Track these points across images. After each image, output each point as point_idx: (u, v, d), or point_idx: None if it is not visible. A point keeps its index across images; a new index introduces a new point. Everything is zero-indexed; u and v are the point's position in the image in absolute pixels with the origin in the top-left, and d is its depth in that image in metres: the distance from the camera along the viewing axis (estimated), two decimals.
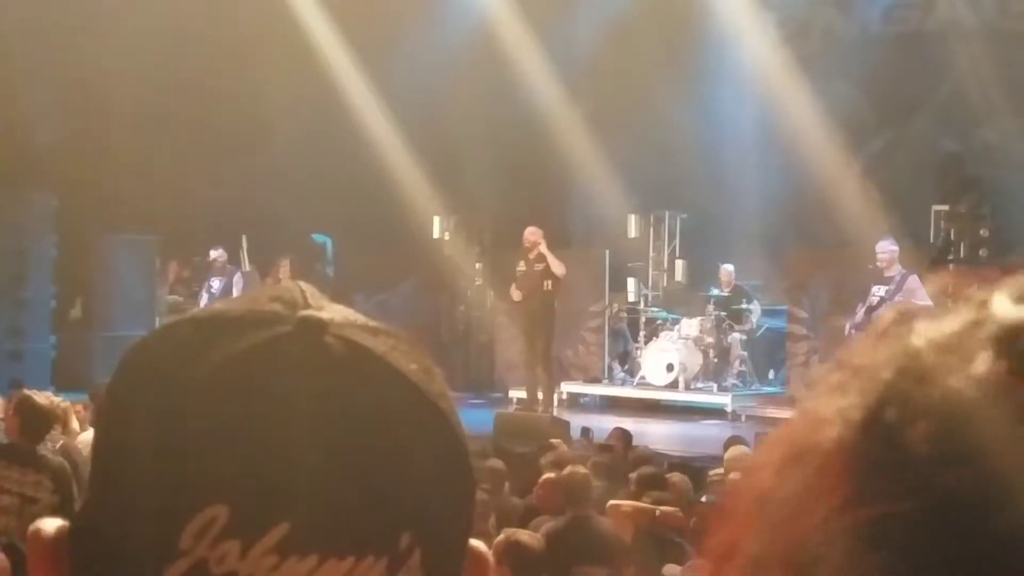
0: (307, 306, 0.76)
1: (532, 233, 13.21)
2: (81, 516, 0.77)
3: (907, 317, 0.50)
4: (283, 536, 0.69)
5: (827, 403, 0.49)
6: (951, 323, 0.48)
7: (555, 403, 15.05)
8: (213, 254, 15.41)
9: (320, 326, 0.74)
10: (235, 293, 14.86)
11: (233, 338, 0.73)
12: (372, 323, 0.78)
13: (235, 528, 0.69)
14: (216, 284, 15.25)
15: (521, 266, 13.25)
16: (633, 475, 7.91)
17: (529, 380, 13.60)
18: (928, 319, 0.49)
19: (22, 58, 15.44)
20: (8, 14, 15.25)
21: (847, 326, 11.81)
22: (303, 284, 0.80)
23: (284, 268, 15.61)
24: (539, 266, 13.10)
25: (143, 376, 0.76)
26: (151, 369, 0.76)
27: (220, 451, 0.70)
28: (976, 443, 0.45)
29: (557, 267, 13.09)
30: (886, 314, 0.52)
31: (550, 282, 13.15)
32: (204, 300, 15.27)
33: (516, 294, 13.43)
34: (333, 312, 0.77)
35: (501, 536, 5.68)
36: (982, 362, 0.46)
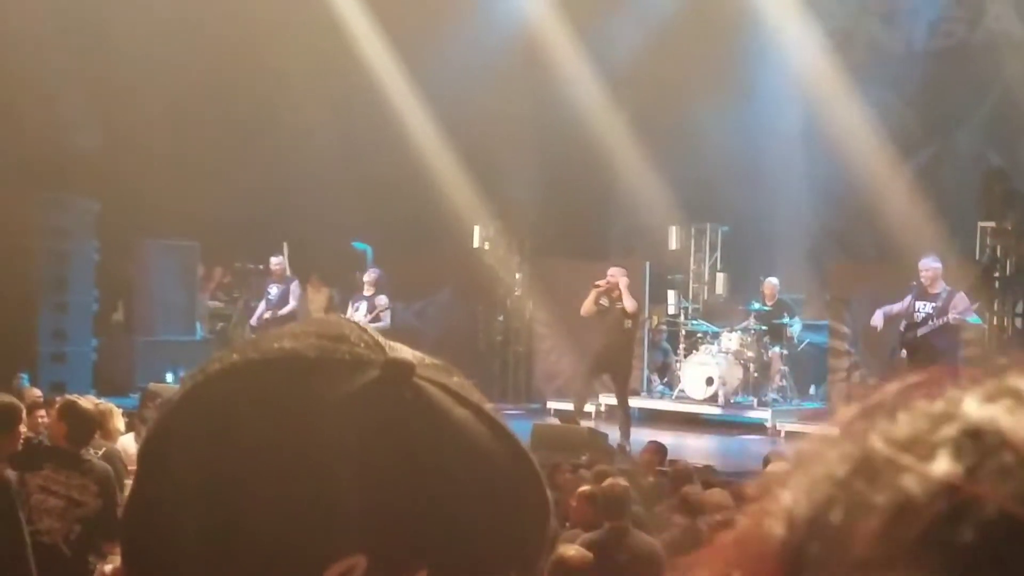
0: (379, 346, 0.77)
1: (615, 273, 13.11)
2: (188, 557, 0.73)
3: (871, 413, 0.47)
4: None
5: (777, 499, 0.47)
6: (915, 421, 0.46)
7: (593, 415, 15.02)
8: (274, 261, 15.53)
9: (408, 369, 0.75)
10: (292, 301, 15.03)
11: (326, 384, 0.73)
12: (436, 360, 0.79)
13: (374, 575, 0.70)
14: (274, 291, 15.36)
15: (604, 301, 13.09)
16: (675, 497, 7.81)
17: (577, 395, 13.48)
18: (892, 417, 0.47)
19: (60, 63, 15.58)
20: (46, 19, 15.40)
21: (893, 349, 11.66)
22: (352, 319, 0.81)
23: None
24: (620, 304, 13.01)
25: (230, 422, 0.74)
26: (238, 415, 0.74)
27: (351, 501, 0.70)
28: (916, 547, 0.42)
29: (630, 304, 13.01)
30: (847, 410, 0.49)
31: (630, 321, 13.12)
32: (262, 307, 15.41)
33: (586, 308, 13.29)
34: (402, 350, 0.78)
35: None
36: (940, 463, 0.43)
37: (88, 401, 6.62)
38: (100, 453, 6.37)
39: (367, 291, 14.51)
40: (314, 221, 16.97)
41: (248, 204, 16.63)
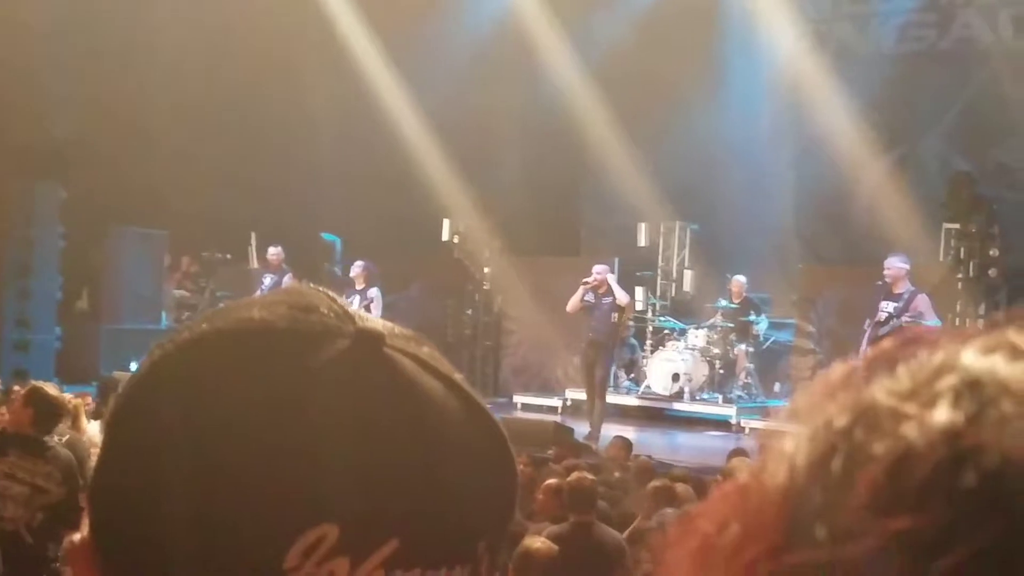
0: (349, 316, 0.76)
1: (601, 271, 13.42)
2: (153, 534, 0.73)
3: (871, 366, 0.48)
4: (392, 552, 0.70)
5: (779, 448, 0.48)
6: (916, 373, 0.46)
7: (560, 410, 15.08)
8: (271, 251, 15.52)
9: (378, 338, 0.75)
10: None
11: (296, 355, 0.73)
12: (407, 331, 0.78)
13: (345, 546, 0.69)
14: (268, 281, 15.38)
15: (589, 297, 13.34)
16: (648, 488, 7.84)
17: (590, 402, 13.63)
18: (892, 370, 0.48)
19: (37, 51, 15.46)
20: (23, 10, 15.27)
21: (862, 343, 11.75)
22: (322, 289, 0.80)
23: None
24: (607, 300, 13.27)
25: (201, 392, 0.73)
26: (208, 384, 0.73)
27: (322, 470, 0.70)
28: (919, 493, 0.43)
29: (623, 297, 13.37)
30: (846, 364, 0.50)
31: (617, 315, 13.40)
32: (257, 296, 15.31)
33: (572, 304, 13.55)
34: (371, 320, 0.77)
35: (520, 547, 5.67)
36: (941, 411, 0.44)
37: (54, 388, 6.58)
38: (64, 440, 6.33)
39: (358, 284, 14.57)
40: (283, 212, 16.92)
41: (217, 194, 16.56)
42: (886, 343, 0.49)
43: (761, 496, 0.47)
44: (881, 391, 0.46)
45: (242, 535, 0.69)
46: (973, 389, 0.44)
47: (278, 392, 0.71)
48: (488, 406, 0.78)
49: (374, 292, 14.47)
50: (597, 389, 13.46)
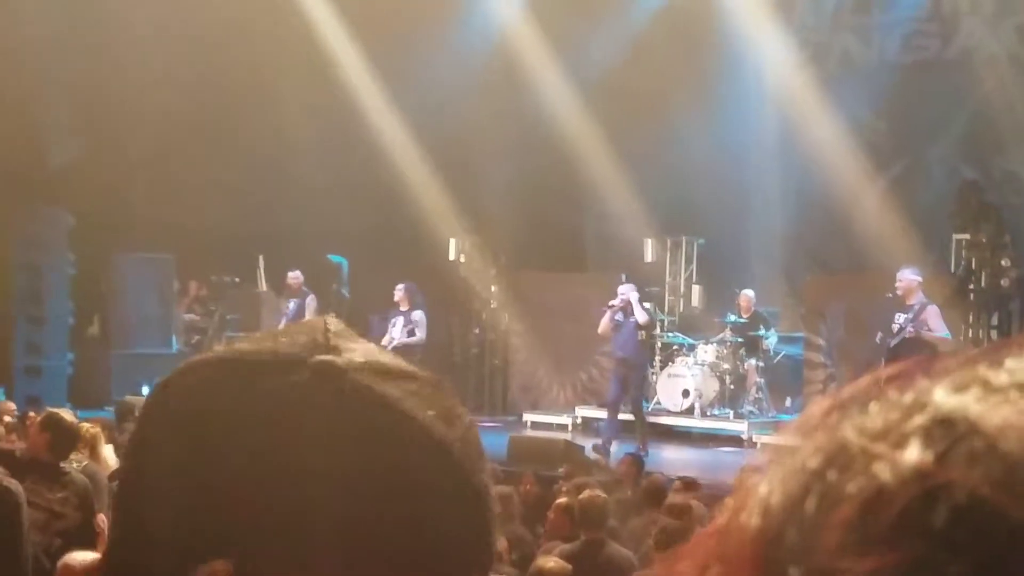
0: (328, 348, 0.76)
1: (626, 290, 13.71)
2: (110, 551, 0.77)
3: (843, 405, 0.49)
4: None
5: (752, 490, 0.48)
6: (887, 412, 0.47)
7: (570, 428, 15.07)
8: (290, 275, 15.68)
9: (336, 373, 0.74)
10: (307, 314, 15.05)
11: (249, 383, 0.74)
12: (394, 365, 0.78)
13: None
14: (291, 306, 15.52)
15: (619, 317, 13.62)
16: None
17: (611, 419, 13.80)
18: (864, 409, 0.48)
19: (39, 77, 15.54)
20: (26, 32, 15.36)
21: (875, 356, 11.73)
22: (330, 321, 0.80)
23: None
24: (633, 319, 13.55)
25: (165, 415, 0.77)
26: (172, 409, 0.76)
27: (231, 500, 0.70)
28: (891, 532, 0.43)
29: (642, 317, 13.64)
30: (820, 403, 0.50)
31: (643, 332, 13.70)
32: (283, 323, 15.42)
33: (603, 325, 13.87)
34: (354, 353, 0.77)
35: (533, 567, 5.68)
36: (911, 450, 0.44)
37: (70, 415, 6.61)
38: (81, 467, 6.35)
39: (402, 306, 14.71)
40: (290, 234, 16.96)
41: (224, 218, 16.60)
42: (861, 381, 0.49)
43: (739, 538, 0.47)
44: (852, 431, 0.46)
45: (161, 555, 0.71)
46: (943, 427, 0.44)
47: (209, 419, 0.73)
48: (459, 450, 0.76)
49: (418, 315, 14.60)
50: (632, 407, 13.67)
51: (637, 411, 13.69)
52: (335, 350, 0.76)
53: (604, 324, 13.82)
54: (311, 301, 15.56)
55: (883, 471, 0.44)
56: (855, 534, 0.43)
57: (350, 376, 0.75)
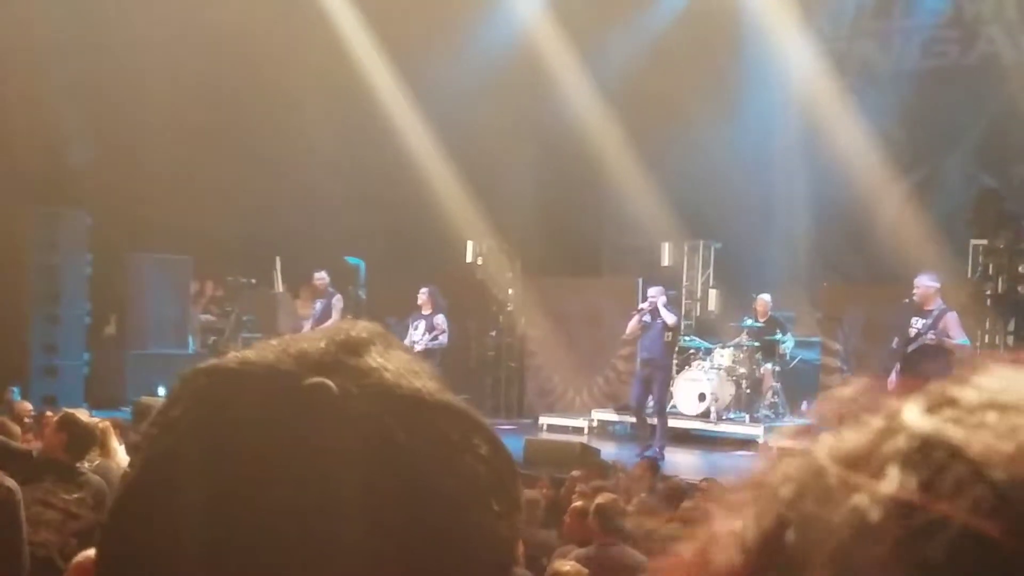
0: (331, 367, 0.74)
1: (655, 293, 13.82)
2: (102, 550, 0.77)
3: (813, 429, 0.46)
4: None
5: (722, 525, 0.45)
6: (859, 436, 0.44)
7: (586, 431, 15.07)
8: (316, 276, 15.78)
9: (324, 400, 0.72)
10: (334, 315, 15.28)
11: (234, 401, 0.73)
12: (406, 389, 0.74)
13: None
14: (317, 306, 15.65)
15: (647, 319, 13.72)
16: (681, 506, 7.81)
17: (639, 420, 13.99)
18: (834, 432, 0.45)
19: (56, 78, 15.60)
20: (43, 34, 15.43)
21: (890, 360, 11.69)
22: (358, 328, 0.79)
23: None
24: (660, 321, 13.66)
25: (160, 424, 0.76)
26: (166, 419, 0.76)
27: (200, 521, 0.70)
28: (885, 568, 0.41)
29: (671, 319, 13.80)
30: (787, 428, 0.48)
31: (671, 333, 13.83)
32: (308, 324, 15.61)
33: (631, 327, 14.00)
34: (362, 373, 0.74)
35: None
36: (892, 479, 0.42)
37: (85, 415, 6.63)
38: (94, 466, 6.36)
39: (424, 310, 14.78)
40: (307, 236, 16.99)
41: (241, 219, 16.65)
42: (827, 402, 0.47)
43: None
44: (825, 456, 0.44)
45: (149, 562, 0.72)
46: (922, 453, 0.43)
47: (196, 438, 0.72)
48: (441, 483, 0.73)
49: (440, 319, 14.67)
50: (656, 407, 13.77)
51: (661, 413, 13.76)
52: (339, 369, 0.74)
53: (632, 326, 13.92)
54: (337, 301, 15.66)
55: (866, 502, 0.42)
56: (845, 570, 0.42)
57: (339, 404, 0.72)
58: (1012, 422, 0.43)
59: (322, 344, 0.77)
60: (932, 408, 0.44)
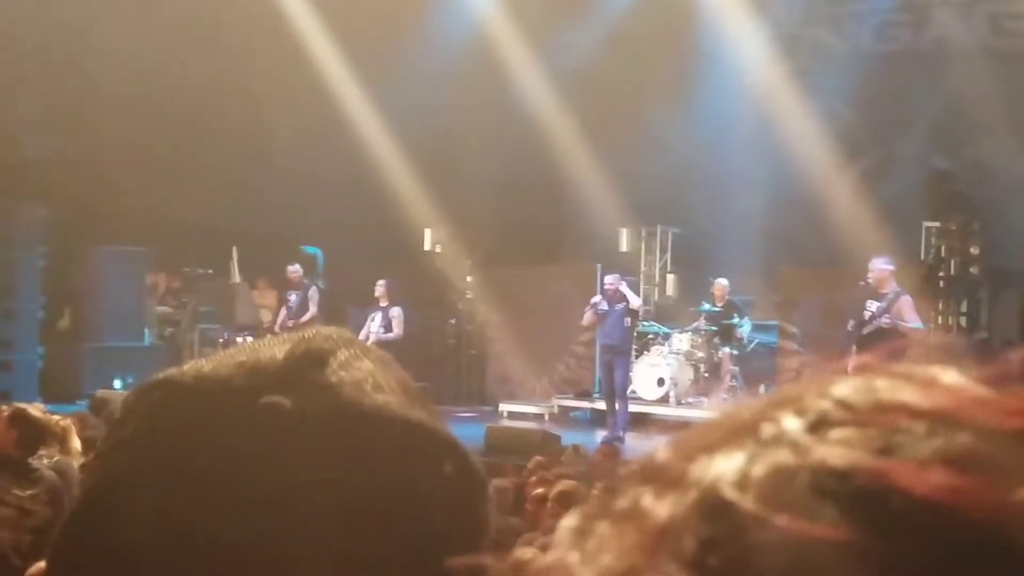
0: (291, 382, 0.72)
1: (613, 281, 13.87)
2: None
3: (689, 453, 0.42)
4: None
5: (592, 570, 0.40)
6: (757, 462, 0.40)
7: (547, 418, 15.10)
8: (290, 269, 15.82)
9: (279, 415, 0.71)
10: (311, 307, 15.36)
11: (186, 421, 0.72)
12: (368, 407, 0.72)
13: None
14: (294, 298, 15.64)
15: (603, 306, 13.77)
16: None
17: (610, 406, 14.04)
18: (718, 453, 0.41)
19: (12, 69, 15.40)
20: None
21: (846, 343, 11.79)
22: (318, 340, 0.76)
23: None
24: (620, 306, 13.70)
25: (112, 443, 0.76)
26: (118, 438, 0.75)
27: (149, 547, 0.69)
28: None
29: (636, 301, 13.96)
30: (660, 451, 0.44)
31: (630, 319, 13.87)
32: (283, 314, 15.67)
33: (587, 318, 14.07)
34: (320, 389, 0.72)
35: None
36: (828, 522, 0.38)
37: (38, 409, 6.55)
38: (52, 463, 6.29)
39: (382, 302, 14.80)
40: (264, 225, 16.89)
41: (197, 209, 16.51)
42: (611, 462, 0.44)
43: None
44: (730, 488, 0.40)
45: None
46: (863, 490, 0.39)
47: (146, 453, 0.72)
48: (385, 504, 0.71)
49: (396, 311, 14.70)
50: (618, 392, 13.83)
51: (623, 395, 13.85)
52: (297, 384, 0.72)
53: (588, 317, 14.00)
54: (314, 293, 15.68)
55: (805, 554, 0.38)
56: None
57: (294, 424, 0.70)
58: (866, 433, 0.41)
59: (281, 356, 0.75)
60: (816, 426, 0.41)
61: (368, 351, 0.79)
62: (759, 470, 0.40)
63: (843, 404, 0.42)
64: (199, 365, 0.76)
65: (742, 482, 0.39)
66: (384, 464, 0.71)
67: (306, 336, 0.77)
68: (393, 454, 0.72)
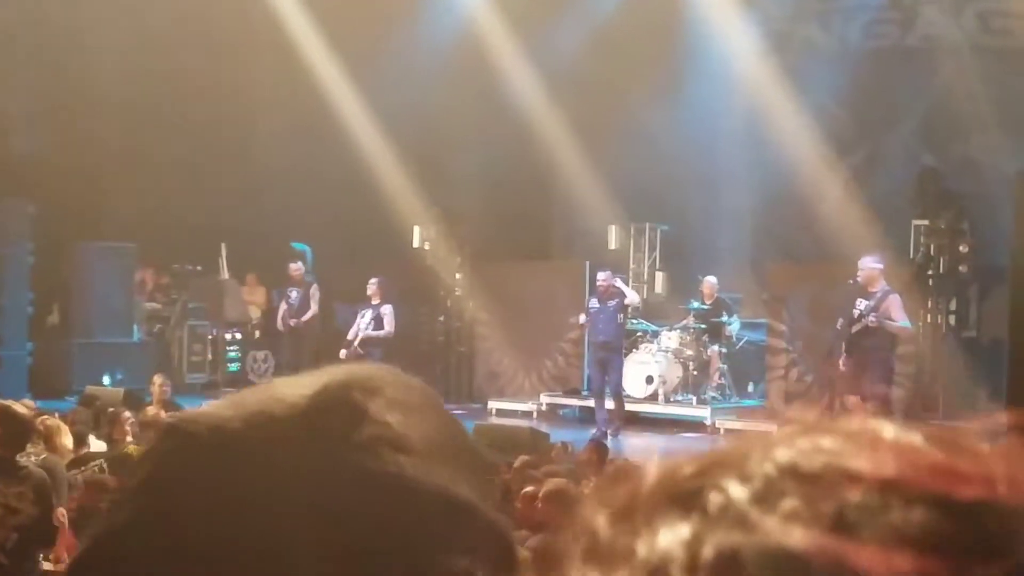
0: (315, 434, 0.71)
1: (606, 278, 13.87)
2: None
3: (633, 525, 0.42)
4: None
5: None
6: (705, 541, 0.40)
7: (535, 416, 15.11)
8: (291, 267, 15.77)
9: (295, 484, 0.70)
10: (312, 304, 15.36)
11: (193, 480, 0.71)
12: (387, 473, 0.70)
13: None
14: (294, 295, 15.62)
15: (594, 303, 13.82)
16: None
17: (598, 406, 14.00)
18: (662, 524, 0.41)
19: (0, 64, 15.35)
20: None
21: (835, 342, 11.80)
22: (348, 387, 0.73)
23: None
24: (613, 302, 13.70)
25: (122, 491, 0.76)
26: (127, 489, 0.75)
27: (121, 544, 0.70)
28: None
29: (634, 297, 14.09)
30: (601, 522, 0.44)
31: (623, 315, 13.89)
32: (283, 309, 15.68)
33: (581, 318, 14.16)
34: (340, 449, 0.71)
35: None
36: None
37: (24, 407, 6.51)
38: (40, 460, 6.27)
39: (374, 300, 14.81)
40: (252, 222, 16.87)
41: (186, 205, 16.48)
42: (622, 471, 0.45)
43: None
44: (675, 567, 0.40)
45: None
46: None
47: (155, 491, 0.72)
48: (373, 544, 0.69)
49: (387, 309, 14.70)
50: (612, 389, 13.82)
51: (617, 395, 13.83)
52: (312, 442, 0.71)
53: (582, 319, 14.10)
54: (315, 291, 15.64)
55: None
56: None
57: (310, 494, 0.69)
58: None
59: (302, 404, 0.71)
60: (761, 499, 0.41)
61: (408, 395, 0.75)
62: (708, 552, 0.39)
63: (789, 471, 0.41)
64: (215, 412, 0.74)
65: (692, 564, 0.39)
66: (388, 536, 0.68)
67: (331, 384, 0.73)
68: (398, 525, 0.69)
